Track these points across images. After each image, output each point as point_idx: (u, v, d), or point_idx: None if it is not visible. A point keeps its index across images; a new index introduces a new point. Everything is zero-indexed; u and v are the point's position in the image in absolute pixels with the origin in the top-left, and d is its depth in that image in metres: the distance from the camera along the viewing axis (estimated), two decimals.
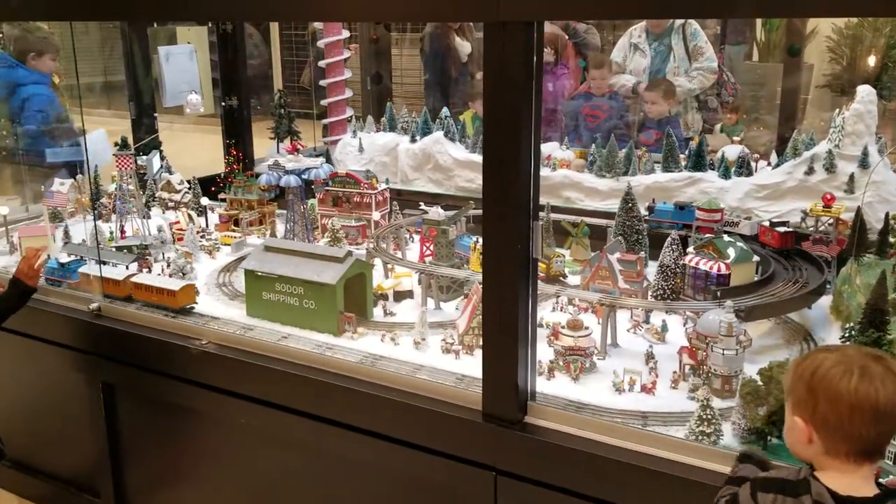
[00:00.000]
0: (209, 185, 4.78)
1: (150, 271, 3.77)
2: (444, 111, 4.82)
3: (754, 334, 2.88)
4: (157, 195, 4.79)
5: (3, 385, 4.00)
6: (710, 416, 2.34)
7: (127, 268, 3.69)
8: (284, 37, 9.72)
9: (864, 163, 3.58)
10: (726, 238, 3.21)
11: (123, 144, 4.14)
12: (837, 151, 3.64)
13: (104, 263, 3.67)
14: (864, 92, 3.60)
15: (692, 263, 3.11)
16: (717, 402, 2.44)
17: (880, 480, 1.70)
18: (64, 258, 3.77)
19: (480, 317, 2.72)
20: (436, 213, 3.65)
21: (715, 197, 3.80)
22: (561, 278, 3.52)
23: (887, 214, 3.13)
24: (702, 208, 3.53)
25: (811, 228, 3.39)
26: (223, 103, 5.27)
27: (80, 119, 4.16)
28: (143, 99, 5.40)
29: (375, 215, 4.17)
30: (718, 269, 3.03)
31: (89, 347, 3.49)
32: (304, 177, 4.05)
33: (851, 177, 3.58)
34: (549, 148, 4.53)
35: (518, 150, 2.31)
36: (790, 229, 3.37)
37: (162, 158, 5.07)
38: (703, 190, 3.98)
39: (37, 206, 4.79)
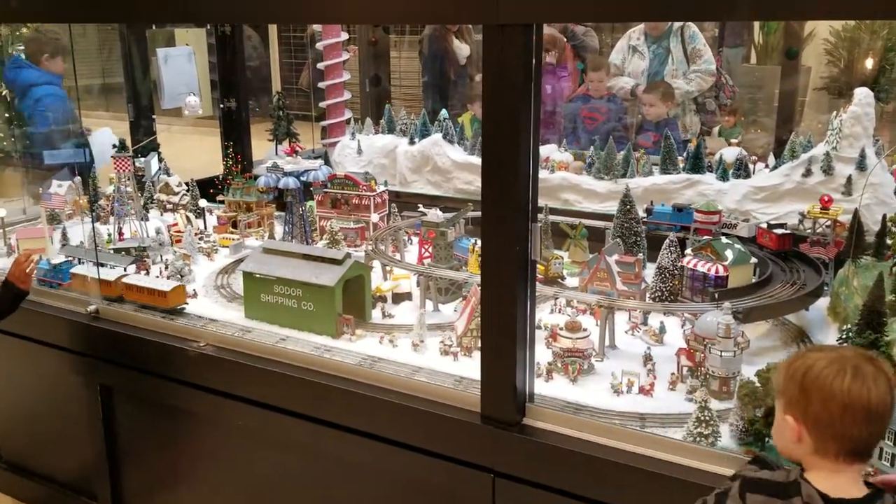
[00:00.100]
0: (207, 187, 4.78)
1: (148, 273, 3.77)
2: (443, 113, 4.82)
3: (752, 336, 2.89)
4: (155, 197, 4.78)
5: (0, 387, 3.99)
6: (708, 418, 2.34)
7: (125, 269, 3.69)
8: (283, 39, 9.72)
9: (861, 165, 3.58)
10: (724, 240, 3.21)
11: (122, 146, 4.14)
12: (835, 154, 3.65)
13: (102, 265, 3.67)
14: (862, 94, 3.60)
15: (690, 265, 3.11)
16: (715, 404, 2.44)
17: (869, 480, 1.70)
18: (56, 259, 3.77)
19: (479, 319, 2.73)
20: (434, 215, 3.65)
21: (713, 199, 3.81)
22: (559, 280, 3.52)
23: (884, 216, 3.13)
24: (700, 210, 3.54)
25: (809, 230, 3.40)
26: (221, 105, 5.27)
27: (79, 121, 4.17)
28: (141, 101, 5.40)
29: (374, 217, 4.17)
30: (716, 271, 3.04)
31: (87, 349, 3.49)
32: (302, 179, 4.05)
33: (849, 179, 3.59)
34: (547, 150, 4.54)
35: (517, 152, 2.31)
36: (788, 231, 3.38)
37: (160, 160, 5.07)
38: (701, 192, 3.98)
39: (35, 207, 4.79)
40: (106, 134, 4.91)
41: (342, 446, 2.86)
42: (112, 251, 3.92)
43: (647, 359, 2.84)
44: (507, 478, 2.53)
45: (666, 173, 4.14)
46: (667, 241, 3.16)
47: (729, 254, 3.08)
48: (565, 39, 5.99)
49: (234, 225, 4.41)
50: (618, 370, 2.73)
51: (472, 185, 4.55)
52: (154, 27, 5.47)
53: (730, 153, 4.15)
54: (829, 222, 3.34)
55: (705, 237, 3.36)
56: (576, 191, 4.32)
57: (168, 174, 4.93)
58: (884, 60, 5.41)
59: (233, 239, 4.24)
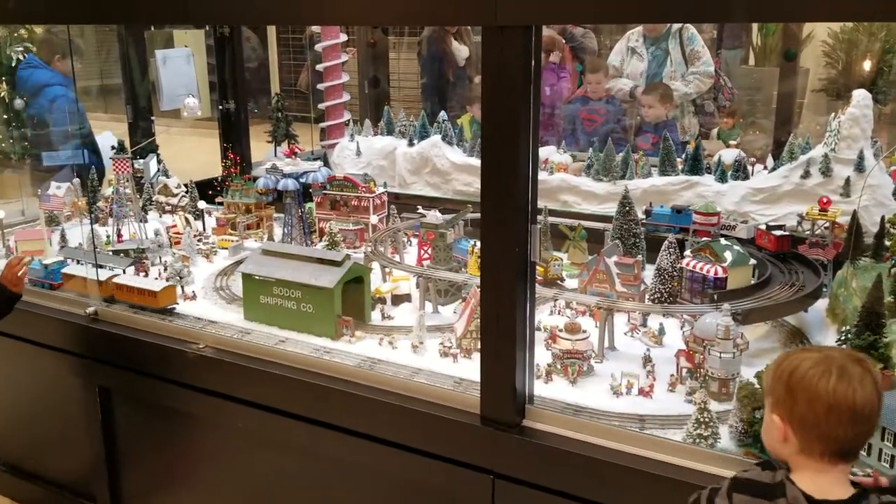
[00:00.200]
0: (206, 189, 4.78)
1: (147, 275, 3.77)
2: (442, 115, 4.82)
3: (751, 337, 2.89)
4: (153, 199, 4.78)
5: None
6: (707, 419, 2.34)
7: (124, 271, 3.69)
8: (282, 40, 9.73)
9: (859, 166, 3.59)
10: (723, 241, 3.21)
11: (120, 148, 4.13)
12: (833, 155, 3.65)
13: (101, 267, 3.66)
14: (860, 96, 3.61)
15: (689, 267, 3.12)
16: (714, 405, 2.44)
17: (854, 480, 1.70)
18: (47, 260, 3.78)
19: (478, 320, 2.73)
20: (434, 216, 3.65)
21: (712, 200, 3.81)
22: (558, 282, 3.52)
23: (883, 218, 3.13)
24: (699, 212, 3.54)
25: (807, 232, 3.41)
26: (220, 107, 5.27)
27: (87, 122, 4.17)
28: (139, 102, 5.40)
29: (373, 219, 4.17)
30: (715, 273, 3.04)
31: (85, 351, 3.48)
32: (301, 180, 4.05)
33: (847, 180, 3.59)
34: (546, 151, 4.54)
35: (516, 154, 2.31)
36: (786, 233, 3.38)
37: (159, 162, 5.07)
38: (699, 193, 3.98)
39: (34, 208, 4.79)
40: (107, 137, 4.93)
41: (342, 448, 2.86)
42: (111, 253, 3.92)
43: (647, 360, 2.84)
44: (507, 479, 2.53)
45: (665, 175, 4.14)
46: (666, 242, 3.17)
47: (728, 255, 3.08)
48: (564, 41, 6.00)
49: (233, 226, 4.41)
50: (617, 372, 2.73)
51: (471, 187, 4.55)
52: (153, 28, 5.47)
53: (728, 155, 4.15)
54: (827, 224, 3.35)
55: (704, 239, 3.36)
56: (575, 192, 4.32)
57: (167, 176, 4.92)
58: (882, 62, 5.41)
59: (232, 240, 4.23)
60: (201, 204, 4.62)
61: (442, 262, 3.52)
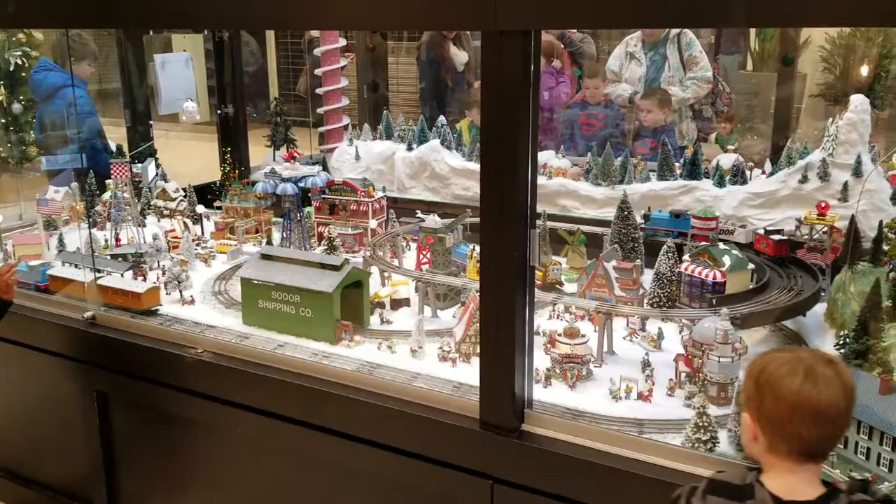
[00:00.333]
0: (205, 193, 4.78)
1: (145, 279, 3.76)
2: (441, 119, 4.83)
3: (750, 342, 2.89)
4: (152, 203, 4.77)
5: None
6: (706, 424, 2.35)
7: (122, 275, 3.69)
8: (281, 45, 9.73)
9: (857, 171, 3.59)
10: (721, 246, 3.22)
11: (118, 152, 4.13)
12: (831, 160, 3.66)
13: (99, 271, 3.66)
14: (858, 101, 3.62)
15: (688, 271, 3.12)
16: (713, 410, 2.44)
17: (827, 480, 1.71)
18: (33, 262, 3.78)
19: (477, 325, 2.73)
20: (432, 220, 3.66)
21: (710, 205, 3.82)
22: (557, 286, 3.52)
23: (881, 222, 3.14)
24: (697, 216, 3.55)
25: (806, 236, 3.41)
26: (219, 111, 5.27)
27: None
28: (137, 106, 5.40)
29: (372, 223, 4.17)
30: (714, 277, 3.05)
31: (83, 356, 3.47)
32: (300, 185, 4.05)
33: (845, 185, 3.60)
34: (544, 156, 4.55)
35: (515, 159, 2.32)
36: (785, 237, 3.39)
37: (157, 166, 5.06)
38: (698, 198, 3.99)
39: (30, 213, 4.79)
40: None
41: (340, 453, 2.85)
42: (109, 257, 3.91)
43: (646, 365, 2.84)
44: (506, 484, 2.52)
45: (663, 179, 4.15)
46: (664, 247, 3.17)
47: (726, 260, 3.09)
48: (563, 46, 6.01)
49: (232, 231, 4.40)
50: (616, 376, 2.73)
51: (469, 191, 4.56)
52: (151, 33, 5.47)
53: (726, 159, 4.16)
54: (825, 228, 3.35)
55: (703, 243, 3.37)
56: (573, 197, 4.32)
57: (165, 180, 4.92)
58: (879, 67, 5.43)
59: (230, 245, 4.23)
60: (200, 208, 4.62)
61: (441, 266, 3.52)
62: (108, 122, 5.92)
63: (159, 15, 3.07)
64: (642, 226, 3.62)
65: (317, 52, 5.36)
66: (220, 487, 3.31)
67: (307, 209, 4.27)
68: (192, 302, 3.58)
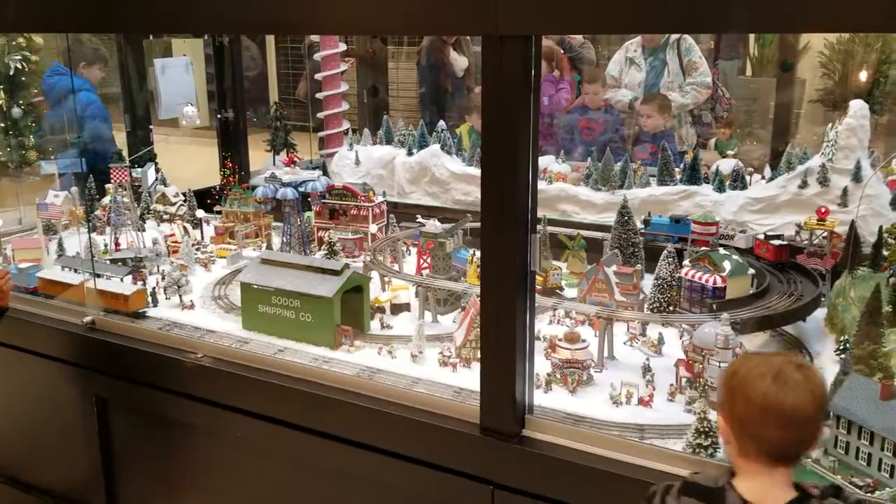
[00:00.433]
0: (204, 198, 4.78)
1: (144, 284, 3.75)
2: (441, 124, 4.83)
3: (750, 347, 2.89)
4: (151, 207, 4.77)
5: None
6: (707, 429, 2.34)
7: (122, 280, 3.68)
8: (281, 49, 9.74)
9: (857, 176, 3.60)
10: (722, 251, 3.22)
11: (118, 156, 4.13)
12: (831, 165, 3.67)
13: (98, 276, 3.65)
14: (857, 107, 3.63)
15: (688, 276, 3.12)
16: (714, 415, 2.43)
17: (799, 484, 1.72)
18: (23, 265, 3.81)
19: (478, 329, 2.73)
20: (433, 225, 3.66)
21: (710, 210, 3.82)
22: (558, 291, 3.52)
23: (881, 228, 3.14)
24: (697, 221, 3.55)
25: (805, 241, 3.41)
26: (219, 115, 5.27)
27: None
28: (137, 111, 5.41)
29: (372, 228, 4.17)
30: (714, 282, 3.05)
31: (82, 361, 3.47)
32: (300, 189, 4.05)
33: (845, 190, 3.60)
34: (544, 161, 4.55)
35: (516, 163, 2.32)
36: (785, 242, 3.39)
37: (157, 171, 5.06)
38: (698, 203, 4.00)
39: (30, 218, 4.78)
40: None
41: (340, 458, 2.84)
42: (108, 262, 3.90)
43: (646, 370, 2.84)
44: (507, 489, 2.51)
45: (663, 184, 4.15)
46: (665, 252, 3.17)
47: (727, 265, 3.09)
48: (562, 51, 6.03)
49: (232, 235, 4.40)
50: (617, 381, 2.73)
51: (469, 196, 4.56)
52: (151, 37, 5.48)
53: (726, 165, 4.17)
54: (825, 233, 3.36)
55: (703, 248, 3.37)
56: (573, 202, 4.33)
57: (165, 184, 4.92)
58: (878, 73, 5.45)
59: (230, 249, 4.23)
60: (199, 213, 4.62)
61: (441, 271, 3.52)
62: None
63: (159, 19, 3.08)
64: (642, 231, 3.62)
65: (317, 56, 5.37)
66: (219, 492, 3.30)
67: (307, 214, 4.27)
68: (192, 306, 3.57)
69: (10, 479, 3.98)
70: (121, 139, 5.34)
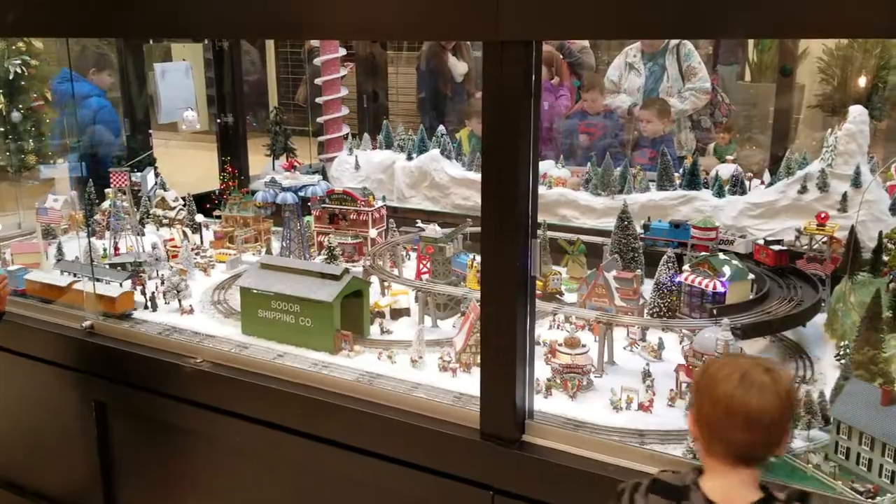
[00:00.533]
0: (204, 202, 4.77)
1: (143, 288, 3.75)
2: (441, 129, 4.83)
3: (750, 352, 2.88)
4: (151, 212, 4.77)
5: None
6: None
7: (121, 284, 3.68)
8: (280, 54, 9.76)
9: (856, 182, 3.60)
10: (721, 256, 3.22)
11: (118, 161, 4.13)
12: (830, 170, 3.67)
13: (98, 280, 3.65)
14: (857, 112, 3.63)
15: (688, 281, 3.12)
16: None
17: (764, 485, 1.73)
18: (11, 267, 3.84)
19: (478, 334, 2.72)
20: (432, 230, 3.66)
21: (709, 215, 3.82)
22: (557, 296, 3.52)
23: (881, 233, 3.15)
24: (697, 226, 3.55)
25: (805, 247, 3.41)
26: (218, 120, 5.28)
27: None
28: (137, 115, 5.41)
29: (372, 233, 4.17)
30: (714, 287, 3.05)
31: (81, 365, 3.46)
32: (300, 194, 4.04)
33: (844, 195, 3.60)
34: (544, 166, 4.55)
35: (516, 168, 2.32)
36: (785, 247, 3.39)
37: (156, 175, 5.06)
38: (697, 208, 4.00)
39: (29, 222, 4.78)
40: None
41: (340, 463, 2.84)
42: (107, 266, 3.90)
43: (646, 375, 2.83)
44: (507, 495, 2.51)
45: (662, 189, 4.16)
46: (664, 257, 3.17)
47: (726, 270, 3.09)
48: (562, 56, 6.04)
49: (231, 240, 4.40)
50: (617, 386, 2.72)
51: (469, 201, 4.56)
52: (151, 42, 5.49)
53: (725, 170, 4.17)
54: (825, 239, 3.36)
55: (703, 253, 3.37)
56: (573, 207, 4.33)
57: (164, 189, 4.91)
58: (877, 78, 5.46)
59: (230, 254, 4.22)
60: (199, 217, 4.62)
61: (441, 276, 3.52)
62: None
63: (159, 23, 3.08)
64: (642, 236, 3.62)
65: (316, 61, 5.38)
66: (218, 497, 3.29)
67: (307, 218, 4.27)
68: (191, 311, 3.57)
69: (8, 484, 3.97)
70: (120, 143, 5.35)
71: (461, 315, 3.32)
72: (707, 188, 4.10)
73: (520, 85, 2.27)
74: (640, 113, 5.26)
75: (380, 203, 4.29)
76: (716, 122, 5.75)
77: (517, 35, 2.22)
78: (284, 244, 4.04)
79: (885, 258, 3.04)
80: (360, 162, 5.00)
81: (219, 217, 4.54)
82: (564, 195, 4.34)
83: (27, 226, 4.81)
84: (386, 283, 3.67)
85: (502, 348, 2.46)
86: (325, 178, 4.82)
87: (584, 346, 2.84)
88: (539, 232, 3.65)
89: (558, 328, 3.32)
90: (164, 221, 4.71)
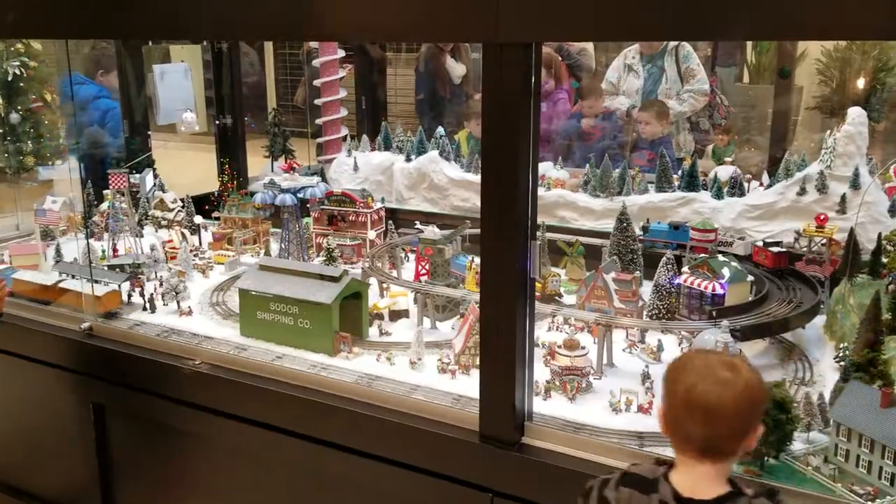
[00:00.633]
0: (203, 204, 4.77)
1: (142, 290, 3.75)
2: (440, 131, 4.83)
3: (750, 354, 2.89)
4: (150, 213, 4.76)
5: None
6: None
7: (119, 286, 3.67)
8: (279, 55, 9.75)
9: (855, 183, 3.61)
10: (721, 258, 3.22)
11: (116, 162, 4.13)
12: (829, 172, 3.67)
13: (96, 282, 3.64)
14: (855, 114, 3.64)
15: (687, 283, 3.12)
16: None
17: (733, 480, 1.75)
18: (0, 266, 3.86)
19: (477, 336, 2.72)
20: (431, 232, 3.65)
21: (708, 217, 3.83)
22: (556, 298, 3.52)
23: (880, 235, 3.15)
24: (696, 228, 3.55)
25: (804, 248, 3.42)
26: (217, 122, 5.27)
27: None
28: (136, 117, 5.41)
29: (371, 234, 4.17)
30: (713, 289, 3.04)
31: (79, 367, 3.45)
32: (299, 195, 4.04)
33: (843, 197, 3.61)
34: (543, 167, 4.55)
35: (516, 170, 2.32)
36: (784, 249, 3.39)
37: (155, 176, 5.06)
38: (696, 210, 4.00)
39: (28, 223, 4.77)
40: None
41: (339, 465, 2.83)
42: (106, 268, 3.89)
43: (646, 377, 2.83)
44: (506, 497, 2.51)
45: (661, 191, 4.16)
46: (663, 258, 3.17)
47: (726, 272, 3.09)
48: (560, 58, 6.04)
49: (230, 241, 4.39)
50: (616, 388, 2.72)
51: (468, 202, 4.56)
52: (150, 43, 5.49)
53: (724, 171, 4.17)
54: (824, 240, 3.36)
55: (702, 255, 3.37)
56: (572, 208, 4.33)
57: (163, 190, 4.91)
58: (875, 80, 5.47)
59: (228, 256, 4.22)
60: (198, 219, 4.61)
61: (440, 277, 3.52)
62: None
63: (159, 25, 3.08)
64: (641, 237, 3.62)
65: (315, 62, 5.38)
66: (217, 499, 3.29)
67: (306, 220, 4.26)
68: (190, 313, 3.56)
69: (5, 486, 3.96)
70: (119, 144, 5.35)
71: (460, 317, 3.31)
72: (706, 190, 4.10)
73: (519, 87, 2.27)
74: (639, 115, 5.27)
75: (378, 205, 4.29)
76: (714, 123, 5.76)
77: (517, 37, 2.22)
78: (283, 246, 4.03)
79: (885, 260, 3.05)
80: (358, 163, 5.00)
81: (217, 219, 4.54)
82: (563, 196, 4.34)
83: (25, 227, 4.80)
84: (385, 285, 3.67)
85: (501, 350, 2.46)
86: (324, 179, 4.82)
87: (583, 347, 2.83)
88: (537, 233, 3.66)
89: (557, 330, 3.32)
90: (163, 223, 4.71)
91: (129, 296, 3.72)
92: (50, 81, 5.20)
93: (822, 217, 3.40)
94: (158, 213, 4.75)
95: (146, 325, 3.48)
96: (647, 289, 3.26)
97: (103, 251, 4.19)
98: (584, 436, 2.52)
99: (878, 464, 2.22)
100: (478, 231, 2.47)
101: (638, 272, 3.38)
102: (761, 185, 4.08)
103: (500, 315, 2.44)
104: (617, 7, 2.11)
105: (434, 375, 2.94)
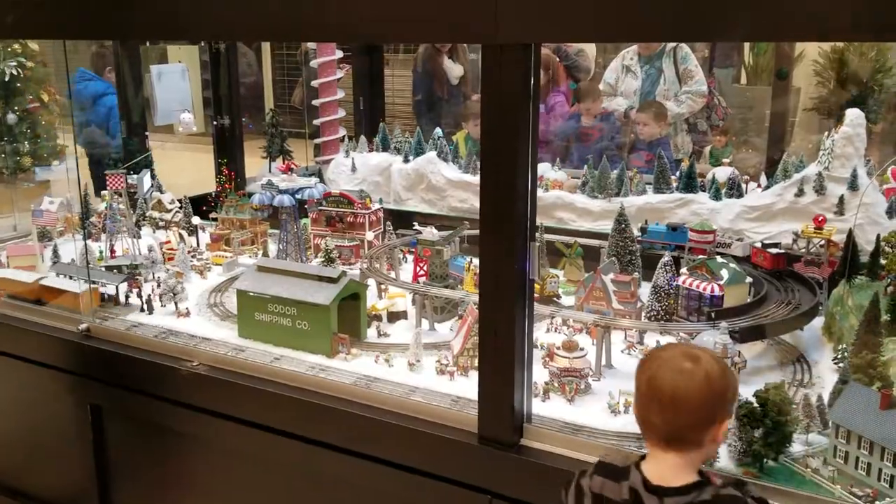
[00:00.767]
0: (200, 205, 4.76)
1: (140, 291, 3.74)
2: (437, 131, 4.83)
3: (748, 355, 2.89)
4: (147, 214, 4.75)
5: None
6: None
7: (117, 288, 3.66)
8: (276, 56, 9.74)
9: (853, 185, 3.61)
10: (719, 259, 3.22)
11: (114, 163, 4.12)
12: (827, 174, 3.68)
13: (94, 283, 3.63)
14: (853, 115, 3.64)
15: (686, 284, 3.12)
16: None
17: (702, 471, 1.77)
18: None
19: (475, 338, 2.72)
20: (430, 233, 3.65)
21: (706, 218, 3.83)
22: (555, 299, 3.51)
23: (878, 236, 3.15)
24: (694, 229, 3.55)
25: (803, 250, 3.42)
26: (215, 122, 5.26)
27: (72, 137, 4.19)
28: (133, 117, 5.40)
29: (369, 235, 4.16)
30: (712, 291, 3.05)
31: (77, 368, 3.44)
32: (297, 196, 4.03)
33: (841, 199, 3.61)
34: (541, 168, 4.55)
35: (515, 171, 2.32)
36: (782, 251, 3.39)
37: (153, 177, 5.05)
38: (694, 211, 4.00)
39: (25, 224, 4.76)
40: None
41: (337, 467, 2.83)
42: (104, 269, 3.88)
43: None
44: (505, 499, 2.50)
45: (659, 192, 4.16)
46: (662, 260, 3.17)
47: (724, 273, 3.09)
48: (558, 59, 6.04)
49: (228, 242, 4.39)
50: (615, 390, 2.72)
51: (466, 203, 4.56)
52: (147, 44, 5.48)
53: (722, 173, 4.18)
54: (822, 242, 3.36)
55: (700, 256, 3.37)
56: (570, 209, 4.33)
57: (161, 191, 4.90)
58: (872, 81, 5.47)
59: (226, 257, 4.21)
60: (195, 220, 4.60)
61: (438, 278, 3.51)
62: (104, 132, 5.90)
63: (158, 25, 3.07)
64: (639, 239, 3.62)
65: (313, 63, 5.37)
66: (214, 501, 3.28)
67: (304, 221, 4.26)
68: (188, 314, 3.55)
69: (2, 487, 3.95)
70: (116, 145, 5.35)
71: (459, 318, 3.31)
72: (704, 191, 4.10)
73: (519, 88, 2.26)
74: (637, 116, 5.27)
75: (377, 205, 4.29)
76: (712, 125, 5.76)
77: (516, 38, 2.22)
78: (281, 247, 4.03)
79: (883, 261, 3.05)
80: (356, 164, 4.99)
81: (215, 219, 4.53)
82: (561, 198, 4.34)
83: (23, 228, 4.79)
84: (383, 286, 3.66)
85: (500, 351, 2.46)
86: (322, 180, 4.82)
87: (581, 349, 2.83)
88: (536, 235, 3.66)
89: (556, 331, 3.31)
90: (161, 224, 4.70)
91: (127, 297, 3.71)
92: (48, 81, 5.20)
93: (820, 218, 3.40)
94: (156, 214, 4.74)
95: (144, 326, 3.47)
96: (645, 290, 3.26)
97: (101, 252, 4.18)
98: (583, 437, 2.52)
99: (877, 465, 2.22)
100: (476, 232, 2.46)
101: (636, 273, 3.38)
102: (759, 186, 4.08)
103: (499, 316, 2.44)
104: (617, 8, 2.11)
105: (432, 377, 2.93)
